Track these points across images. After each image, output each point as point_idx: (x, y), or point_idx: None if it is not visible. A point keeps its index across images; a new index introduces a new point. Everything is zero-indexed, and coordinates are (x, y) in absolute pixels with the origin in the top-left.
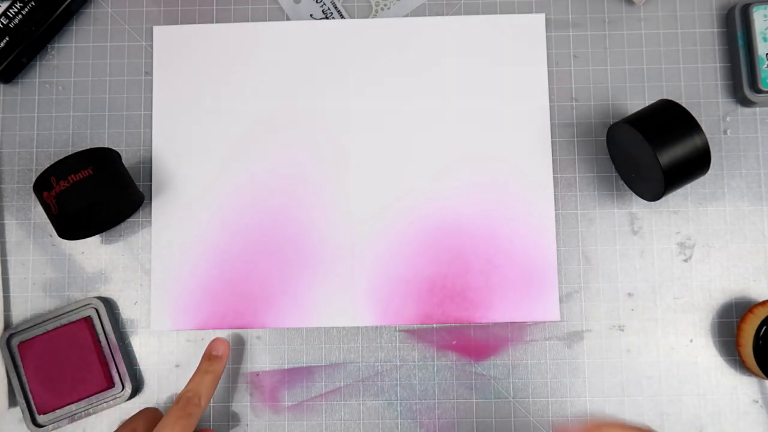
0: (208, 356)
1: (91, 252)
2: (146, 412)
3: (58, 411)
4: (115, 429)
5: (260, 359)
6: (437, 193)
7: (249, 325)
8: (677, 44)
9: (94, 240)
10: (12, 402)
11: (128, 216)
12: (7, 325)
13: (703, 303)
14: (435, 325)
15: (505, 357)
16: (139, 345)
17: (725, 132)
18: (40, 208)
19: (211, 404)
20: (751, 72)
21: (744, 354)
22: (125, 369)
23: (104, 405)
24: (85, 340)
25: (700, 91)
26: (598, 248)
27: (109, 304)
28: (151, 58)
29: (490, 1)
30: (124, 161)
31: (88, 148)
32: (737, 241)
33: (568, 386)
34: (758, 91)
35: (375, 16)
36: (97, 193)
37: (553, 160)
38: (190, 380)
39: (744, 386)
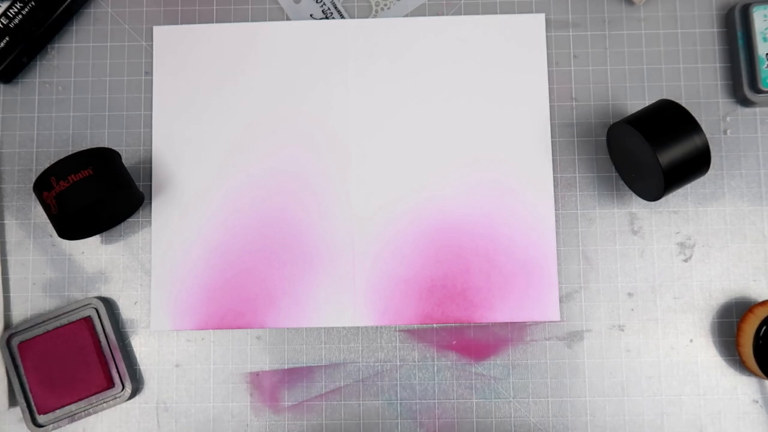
0: None
1: (91, 252)
2: None
3: (58, 411)
4: None
5: (260, 359)
6: (437, 192)
7: (249, 325)
8: (677, 44)
9: (94, 240)
10: (12, 402)
11: (128, 216)
12: (7, 325)
13: (703, 303)
14: (435, 325)
15: (505, 357)
16: (139, 345)
17: (725, 132)
18: (40, 208)
19: (211, 404)
20: (751, 72)
21: (744, 354)
22: (125, 369)
23: (104, 405)
24: (85, 340)
25: (700, 91)
26: (598, 248)
27: (109, 304)
28: (151, 58)
29: (490, 1)
30: (124, 161)
31: (88, 148)
32: (737, 241)
33: (568, 386)
34: (758, 91)
35: (375, 16)
36: (97, 193)
37: (553, 160)
38: None
39: (744, 386)
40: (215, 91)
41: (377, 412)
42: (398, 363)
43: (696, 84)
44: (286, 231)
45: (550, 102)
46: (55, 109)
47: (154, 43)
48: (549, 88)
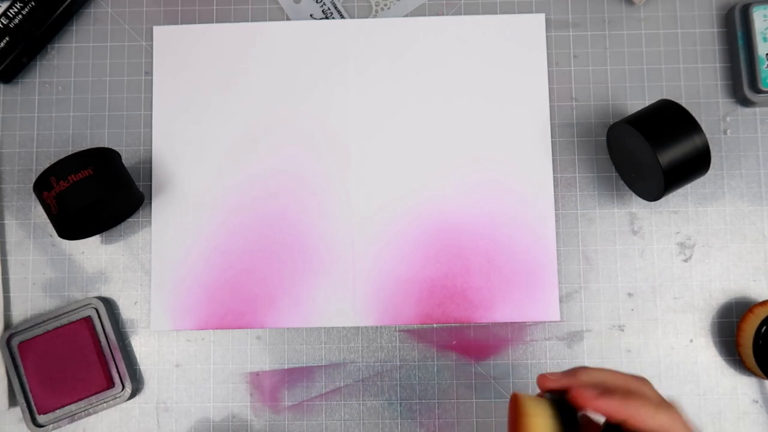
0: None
1: (91, 252)
2: None
3: (58, 411)
4: None
5: (260, 359)
6: (437, 193)
7: (249, 325)
8: (677, 44)
9: (94, 240)
10: (12, 402)
11: (128, 216)
12: (7, 325)
13: (703, 303)
14: (435, 325)
15: (505, 357)
16: (139, 345)
17: (725, 132)
18: (40, 208)
19: (211, 404)
20: (751, 72)
21: (744, 354)
22: (125, 369)
23: (104, 405)
24: (85, 340)
25: (700, 91)
26: (598, 248)
27: (109, 304)
28: (151, 58)
29: (490, 1)
30: (124, 161)
31: (88, 148)
32: (737, 241)
33: None
34: (758, 91)
35: (375, 16)
36: (97, 193)
37: (553, 160)
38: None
39: (744, 386)
40: (215, 91)
41: (377, 412)
42: (398, 363)
43: (696, 84)
44: (286, 231)
45: (550, 102)
46: (55, 109)
47: (154, 43)
48: (549, 88)
